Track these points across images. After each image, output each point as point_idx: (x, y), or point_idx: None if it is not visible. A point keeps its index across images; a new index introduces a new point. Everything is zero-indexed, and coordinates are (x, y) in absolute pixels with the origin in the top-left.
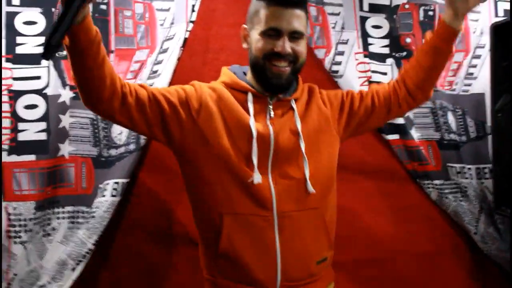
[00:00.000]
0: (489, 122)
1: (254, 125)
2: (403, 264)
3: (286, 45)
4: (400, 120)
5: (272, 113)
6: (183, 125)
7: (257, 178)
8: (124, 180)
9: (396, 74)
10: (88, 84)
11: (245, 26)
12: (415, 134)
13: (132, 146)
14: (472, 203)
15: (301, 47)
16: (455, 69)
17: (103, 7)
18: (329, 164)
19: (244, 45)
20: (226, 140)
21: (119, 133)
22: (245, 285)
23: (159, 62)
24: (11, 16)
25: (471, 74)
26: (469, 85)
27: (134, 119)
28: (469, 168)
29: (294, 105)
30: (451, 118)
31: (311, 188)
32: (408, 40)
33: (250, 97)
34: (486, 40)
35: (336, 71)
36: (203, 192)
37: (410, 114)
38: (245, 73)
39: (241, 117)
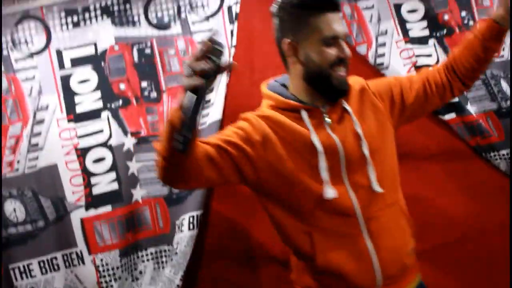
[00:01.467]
0: None
1: (317, 140)
2: (485, 240)
3: (347, 50)
4: (455, 98)
5: (329, 121)
6: (254, 162)
7: (330, 193)
8: (199, 212)
9: (440, 53)
10: (179, 174)
11: (289, 40)
12: (471, 108)
13: None
14: None
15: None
16: None
17: (148, 51)
18: (393, 158)
19: (292, 59)
20: (292, 164)
21: None
22: None
23: (211, 91)
24: (66, 79)
25: None
26: None
27: (209, 179)
28: None
29: (348, 107)
30: (504, 85)
31: (378, 188)
32: (446, 17)
33: (304, 114)
34: None
35: (381, 63)
36: (288, 216)
37: None
38: (285, 86)
39: (303, 136)
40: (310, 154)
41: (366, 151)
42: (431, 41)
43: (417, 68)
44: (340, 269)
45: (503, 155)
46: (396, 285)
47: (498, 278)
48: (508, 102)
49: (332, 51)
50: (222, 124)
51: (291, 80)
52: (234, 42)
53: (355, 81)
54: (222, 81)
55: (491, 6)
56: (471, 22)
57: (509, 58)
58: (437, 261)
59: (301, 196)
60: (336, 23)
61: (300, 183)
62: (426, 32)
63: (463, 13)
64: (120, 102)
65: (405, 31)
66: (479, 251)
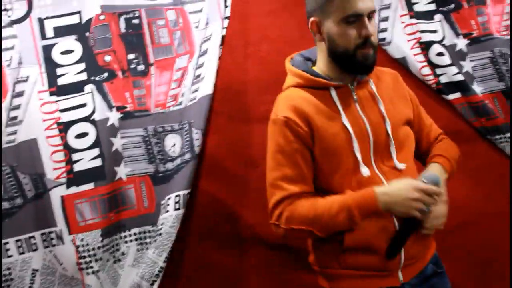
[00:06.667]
0: None
1: (347, 122)
2: (489, 225)
3: (370, 28)
4: (459, 77)
5: (356, 98)
6: (312, 150)
7: (365, 172)
8: (185, 192)
9: (446, 30)
10: None
11: (313, 18)
12: (477, 88)
13: (187, 156)
14: None
15: (375, 25)
16: (508, 11)
17: (136, 21)
18: (412, 142)
19: (317, 38)
20: (332, 143)
21: (173, 145)
22: (373, 271)
23: (201, 66)
24: (48, 48)
25: None
26: None
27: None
28: None
29: (373, 86)
30: None
31: (401, 166)
32: None
33: (333, 93)
34: None
35: (383, 39)
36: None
37: (469, 68)
38: (309, 60)
39: (335, 117)
40: (343, 134)
41: (389, 130)
42: (438, 16)
43: (421, 44)
44: (368, 246)
45: (509, 137)
46: (415, 265)
47: (496, 265)
48: None
49: (352, 31)
50: (213, 99)
51: (318, 55)
52: (228, 13)
53: (389, 71)
54: (213, 54)
55: None
56: None
57: None
58: (442, 245)
59: (339, 173)
60: (360, 0)
61: (338, 160)
62: (432, 7)
63: None
64: (105, 74)
65: (410, 5)
66: (479, 237)
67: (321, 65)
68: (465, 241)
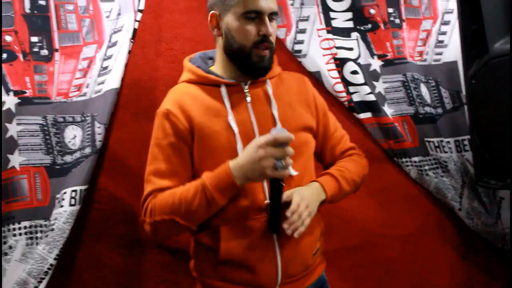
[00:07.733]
0: (464, 91)
1: (233, 121)
2: (389, 247)
3: (270, 28)
4: (371, 97)
5: (249, 99)
6: (191, 150)
7: None
8: (83, 187)
9: (362, 48)
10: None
11: (213, 11)
12: (388, 110)
13: (88, 150)
14: (454, 178)
15: (275, 28)
16: (424, 38)
17: (42, 2)
18: (308, 154)
19: (215, 32)
20: (214, 143)
21: (73, 137)
22: (246, 286)
23: (109, 57)
24: None
25: (441, 42)
26: (440, 53)
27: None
28: (448, 142)
29: (269, 87)
30: (424, 90)
31: (292, 171)
32: (372, 11)
33: (223, 91)
34: (454, 4)
35: (299, 51)
36: None
37: (381, 89)
38: (211, 59)
39: (221, 115)
40: (228, 133)
41: None
42: (354, 34)
43: (336, 60)
44: (241, 262)
45: (415, 162)
46: (296, 284)
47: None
48: (426, 108)
49: (251, 27)
50: (119, 93)
51: (217, 52)
52: (142, 6)
53: (297, 75)
54: (123, 47)
55: (420, 6)
56: (397, 20)
57: (431, 63)
58: (341, 264)
59: None
60: None
61: (218, 160)
62: (350, 24)
63: (390, 10)
64: (5, 55)
65: (328, 20)
66: (383, 256)
67: (217, 62)
68: (367, 261)
